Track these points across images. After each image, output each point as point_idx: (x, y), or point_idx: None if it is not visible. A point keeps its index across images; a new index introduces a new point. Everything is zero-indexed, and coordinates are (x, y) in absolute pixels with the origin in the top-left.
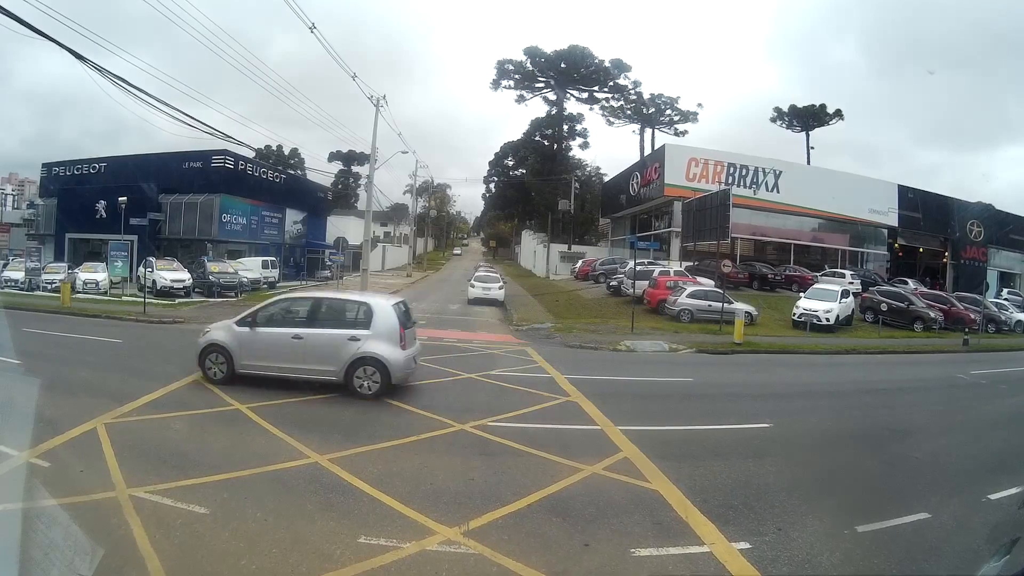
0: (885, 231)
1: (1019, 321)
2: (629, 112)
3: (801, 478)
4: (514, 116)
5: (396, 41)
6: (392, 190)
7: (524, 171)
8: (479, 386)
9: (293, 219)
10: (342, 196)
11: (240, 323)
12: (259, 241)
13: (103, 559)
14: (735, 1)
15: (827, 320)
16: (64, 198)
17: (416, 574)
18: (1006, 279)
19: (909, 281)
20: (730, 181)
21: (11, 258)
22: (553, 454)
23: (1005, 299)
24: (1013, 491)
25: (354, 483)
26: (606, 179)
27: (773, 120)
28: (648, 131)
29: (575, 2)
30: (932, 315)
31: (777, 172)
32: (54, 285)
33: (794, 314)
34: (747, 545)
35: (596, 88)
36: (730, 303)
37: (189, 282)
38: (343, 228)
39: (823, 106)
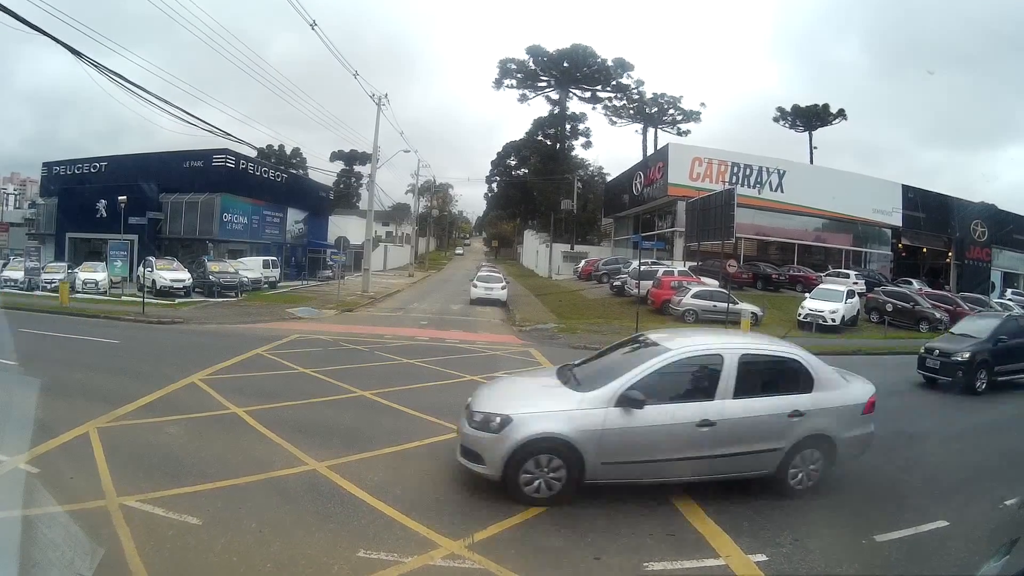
0: (888, 231)
1: None
2: (632, 112)
3: (814, 485)
4: (516, 115)
5: (398, 39)
6: (394, 190)
7: (526, 171)
8: None
9: (294, 219)
10: (344, 196)
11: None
12: (260, 241)
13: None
14: (737, 0)
15: (833, 321)
16: (64, 197)
17: None
18: (1009, 279)
19: (913, 281)
20: (734, 181)
21: (11, 257)
22: None
23: (1009, 299)
24: None
25: (354, 492)
26: (609, 179)
27: (776, 120)
28: (651, 131)
29: (578, 1)
30: (938, 316)
31: (781, 172)
32: (53, 285)
33: (799, 314)
34: (764, 557)
35: (599, 87)
36: (735, 303)
37: (189, 282)
38: (345, 228)
39: (826, 106)
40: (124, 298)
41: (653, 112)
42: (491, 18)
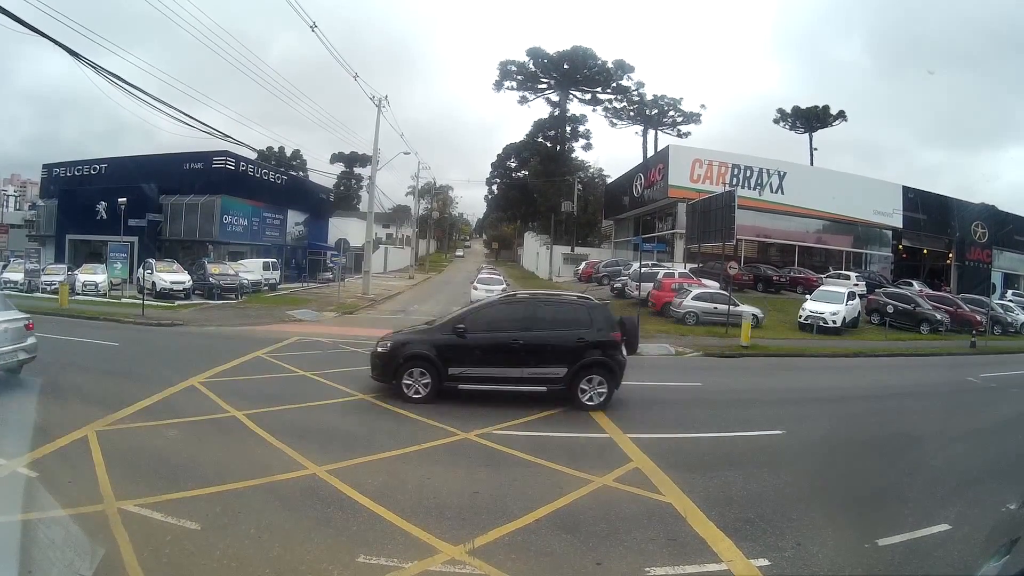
0: (889, 232)
1: None
2: (632, 113)
3: (818, 488)
4: (517, 117)
5: (398, 41)
6: (394, 191)
7: (527, 173)
8: (483, 391)
9: (295, 220)
10: (344, 197)
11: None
12: (260, 243)
13: None
14: (738, 1)
15: (833, 322)
16: (64, 199)
17: None
18: (1010, 280)
19: (914, 283)
20: (734, 182)
21: (11, 259)
22: (561, 464)
23: (1010, 301)
24: None
25: (353, 496)
26: (609, 180)
27: (776, 121)
28: (651, 132)
29: (578, 3)
30: (939, 317)
31: (781, 173)
32: (53, 287)
33: (800, 316)
34: (766, 562)
35: (599, 89)
36: (736, 305)
37: (189, 284)
38: (345, 230)
39: (826, 107)
40: (124, 300)
41: (653, 114)
42: (491, 20)
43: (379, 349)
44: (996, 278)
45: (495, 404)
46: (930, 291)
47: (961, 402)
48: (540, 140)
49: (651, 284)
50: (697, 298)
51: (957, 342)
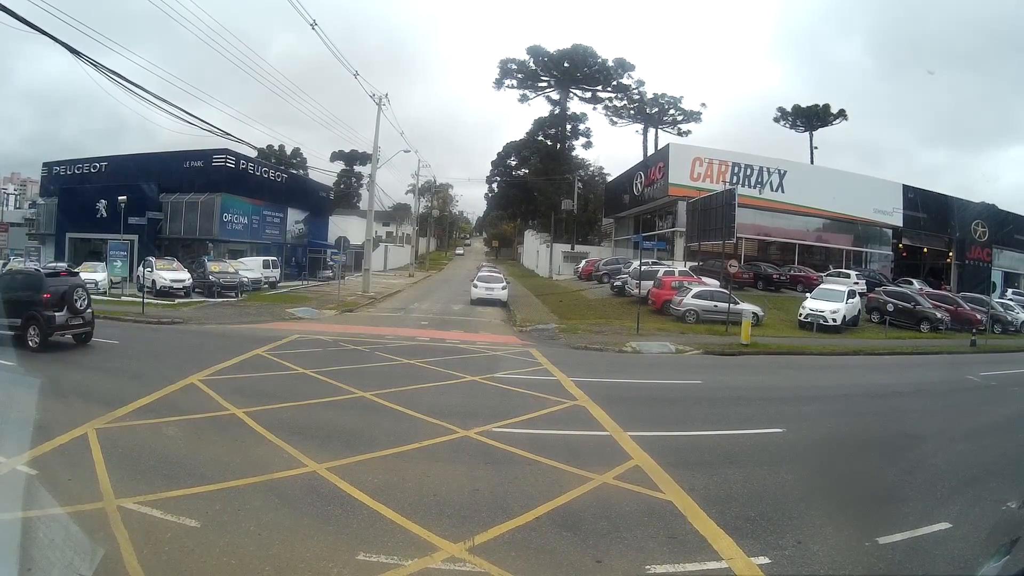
0: (889, 231)
1: None
2: (632, 112)
3: (818, 486)
4: (517, 116)
5: (398, 39)
6: (394, 190)
7: (527, 171)
8: (483, 389)
9: (295, 219)
10: (344, 196)
11: None
12: (260, 241)
13: None
14: (738, 0)
15: (834, 321)
16: (65, 197)
17: None
18: (1010, 279)
19: (914, 281)
20: (735, 181)
21: (11, 257)
22: (561, 462)
23: (1010, 299)
24: None
25: (353, 494)
26: (609, 179)
27: (776, 120)
28: (651, 131)
29: (578, 2)
30: (939, 316)
31: (782, 172)
32: None
33: (800, 314)
34: (766, 560)
35: (599, 88)
36: (736, 304)
37: (189, 282)
38: (345, 228)
39: (827, 106)
40: (124, 298)
41: (654, 112)
42: (492, 18)
43: None
44: (996, 277)
45: (495, 403)
46: (930, 290)
47: (961, 401)
48: (540, 138)
49: (651, 282)
50: (697, 296)
51: (957, 341)
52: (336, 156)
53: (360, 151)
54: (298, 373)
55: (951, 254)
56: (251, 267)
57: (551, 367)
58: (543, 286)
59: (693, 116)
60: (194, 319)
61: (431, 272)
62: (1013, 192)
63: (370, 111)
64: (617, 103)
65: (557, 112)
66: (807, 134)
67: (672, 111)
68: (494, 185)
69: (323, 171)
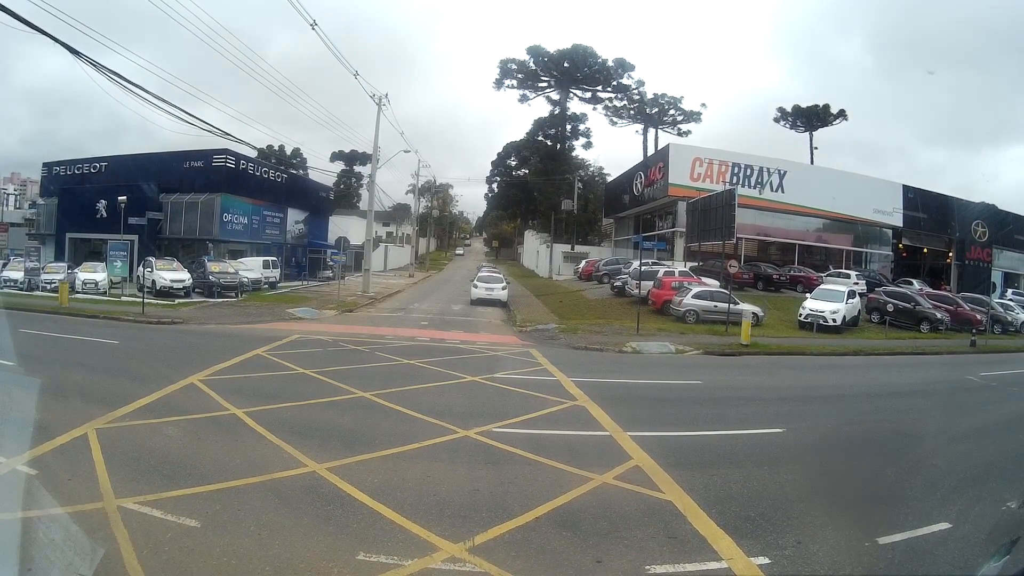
0: (889, 231)
1: None
2: (632, 112)
3: (818, 487)
4: (517, 116)
5: (398, 39)
6: (394, 190)
7: (527, 171)
8: (483, 389)
9: (295, 219)
10: (344, 196)
11: None
12: (260, 241)
13: None
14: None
15: (834, 321)
16: (64, 198)
17: None
18: (1010, 280)
19: (914, 281)
20: (735, 181)
21: (11, 258)
22: (561, 462)
23: (1010, 300)
24: None
25: (353, 494)
26: (609, 179)
27: (776, 120)
28: (651, 131)
29: (578, 2)
30: (939, 316)
31: (782, 172)
32: (53, 285)
33: (800, 315)
34: (766, 560)
35: (599, 88)
36: (736, 304)
37: (189, 282)
38: (345, 228)
39: (827, 106)
40: (124, 298)
41: (654, 112)
42: (492, 18)
43: None
44: (996, 277)
45: (495, 403)
46: (930, 290)
47: (961, 401)
48: (540, 138)
49: (651, 282)
50: (697, 296)
51: (957, 341)
52: (336, 156)
53: (360, 151)
54: (298, 373)
55: (951, 254)
56: (251, 267)
57: (551, 367)
58: (543, 286)
59: (693, 116)
60: (194, 319)
61: (431, 272)
62: (1013, 192)
63: (370, 111)
64: (617, 103)
65: (557, 112)
66: (807, 134)
67: (672, 111)
68: (494, 185)
69: (323, 171)
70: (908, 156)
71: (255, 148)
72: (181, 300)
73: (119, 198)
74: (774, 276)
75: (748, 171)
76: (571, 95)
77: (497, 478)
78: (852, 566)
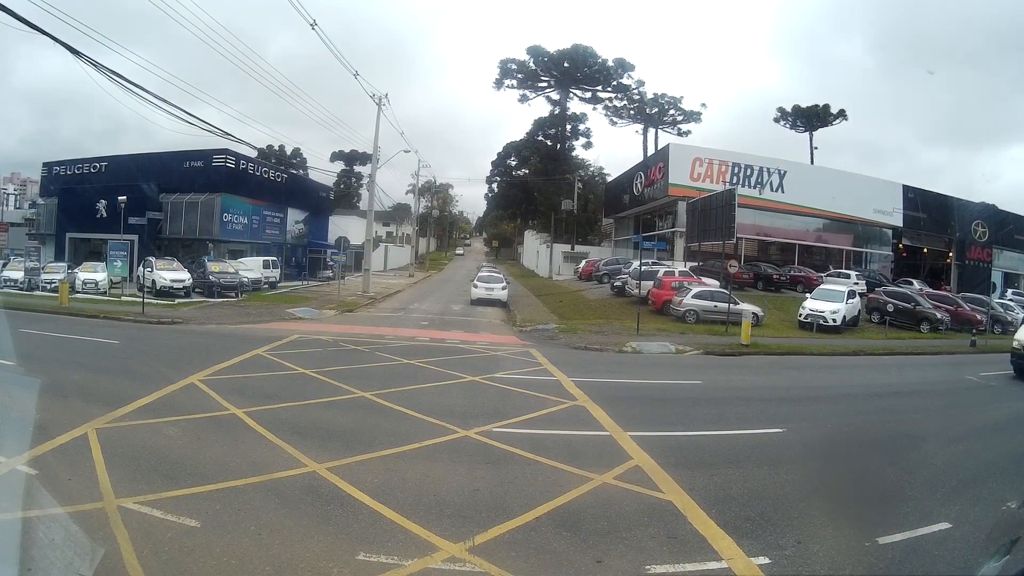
0: (889, 231)
1: None
2: (632, 112)
3: (818, 486)
4: (517, 116)
5: (398, 39)
6: (394, 190)
7: (527, 171)
8: (483, 389)
9: (295, 219)
10: (344, 196)
11: None
12: (260, 241)
13: None
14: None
15: (834, 321)
16: (64, 197)
17: None
18: (1010, 280)
19: (914, 282)
20: (735, 181)
21: (11, 257)
22: (561, 462)
23: (1010, 300)
24: None
25: (353, 494)
26: (609, 179)
27: (776, 120)
28: (651, 131)
29: (578, 1)
30: (939, 316)
31: (782, 172)
32: (53, 285)
33: (800, 315)
34: (766, 560)
35: (599, 88)
36: (736, 304)
37: (189, 282)
38: (345, 228)
39: (826, 106)
40: (124, 298)
41: (653, 112)
42: (491, 18)
43: None
44: (996, 277)
45: (496, 403)
46: (930, 290)
47: (961, 401)
48: (540, 138)
49: (651, 282)
50: (697, 296)
51: (957, 341)
52: (336, 156)
53: (360, 151)
54: (298, 373)
55: (951, 254)
56: (251, 267)
57: (551, 367)
58: (543, 286)
59: (693, 116)
60: (194, 319)
61: (431, 272)
62: (1013, 192)
63: (370, 111)
64: (617, 103)
65: (557, 112)
66: (807, 134)
67: (672, 111)
68: (494, 185)
69: (323, 171)
70: (908, 156)
71: (255, 148)
72: (181, 300)
73: (119, 198)
74: (774, 276)
75: (748, 171)
76: (571, 95)
77: (497, 478)
78: (852, 566)
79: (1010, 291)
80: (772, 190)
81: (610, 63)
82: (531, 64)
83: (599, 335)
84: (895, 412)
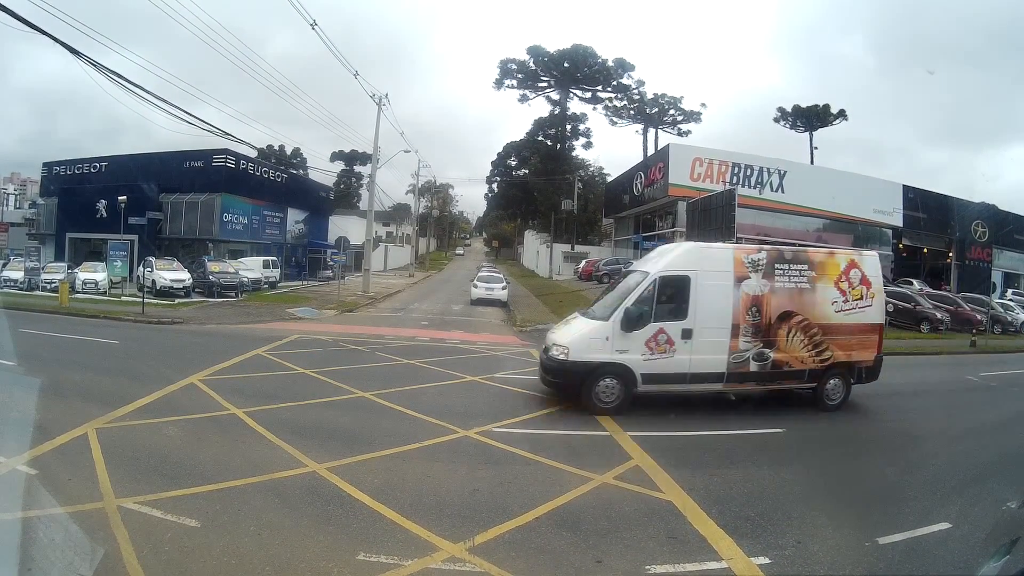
0: (889, 231)
1: None
2: (632, 112)
3: (818, 486)
4: (517, 115)
5: (398, 39)
6: (394, 190)
7: (527, 171)
8: (483, 389)
9: (295, 219)
10: (344, 196)
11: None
12: (260, 241)
13: None
14: None
15: None
16: (64, 197)
17: None
18: (1010, 280)
19: (914, 281)
20: (735, 181)
21: (11, 257)
22: (561, 462)
23: (1010, 300)
24: None
25: (353, 494)
26: (609, 179)
27: (777, 120)
28: (651, 131)
29: (578, 1)
30: (939, 316)
31: (782, 172)
32: (53, 285)
33: None
34: (766, 560)
35: (599, 88)
36: None
37: (189, 282)
38: (345, 228)
39: (827, 106)
40: (124, 298)
41: (654, 112)
42: (491, 18)
43: None
44: (996, 277)
45: (496, 403)
46: (930, 290)
47: (961, 401)
48: (540, 138)
49: None
50: None
51: (957, 341)
52: (336, 156)
53: (360, 151)
54: (298, 373)
55: (951, 254)
56: (251, 267)
57: None
58: (543, 286)
59: (693, 116)
60: (194, 319)
61: (431, 272)
62: (1013, 192)
63: (370, 111)
64: (617, 103)
65: (557, 112)
66: (807, 134)
67: (672, 111)
68: (494, 185)
69: (323, 171)
70: (908, 156)
71: (255, 148)
72: (181, 300)
73: (119, 198)
74: None
75: (748, 171)
76: (571, 95)
77: (497, 478)
78: (852, 566)
79: (1010, 291)
80: (772, 190)
81: (610, 63)
82: (531, 64)
83: None
84: (894, 411)
